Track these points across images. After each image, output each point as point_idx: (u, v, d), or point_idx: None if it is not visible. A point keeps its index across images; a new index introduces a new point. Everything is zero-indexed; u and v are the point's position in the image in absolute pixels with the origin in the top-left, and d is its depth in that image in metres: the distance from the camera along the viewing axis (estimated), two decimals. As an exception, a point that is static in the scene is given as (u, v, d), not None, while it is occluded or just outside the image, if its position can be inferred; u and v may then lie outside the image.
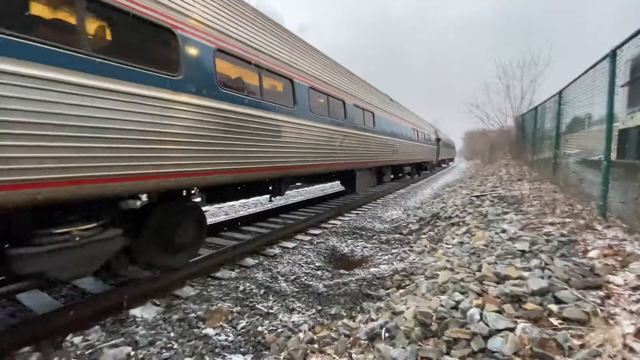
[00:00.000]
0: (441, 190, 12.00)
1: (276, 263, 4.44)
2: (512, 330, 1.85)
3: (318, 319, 3.02)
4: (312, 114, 5.76)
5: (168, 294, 3.45)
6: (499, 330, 1.87)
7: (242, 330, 2.81)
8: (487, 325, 1.92)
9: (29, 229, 2.49)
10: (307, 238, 5.63)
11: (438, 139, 21.55)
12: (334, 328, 2.66)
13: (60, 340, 2.58)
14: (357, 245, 5.39)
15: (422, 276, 3.41)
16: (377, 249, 5.25)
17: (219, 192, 4.76)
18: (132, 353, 2.43)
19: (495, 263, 2.91)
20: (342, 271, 4.35)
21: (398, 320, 2.25)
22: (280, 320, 2.98)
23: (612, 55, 3.87)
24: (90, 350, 2.45)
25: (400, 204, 9.57)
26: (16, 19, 2.17)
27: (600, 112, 4.58)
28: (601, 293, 2.17)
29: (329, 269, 4.43)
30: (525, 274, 2.51)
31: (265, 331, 2.79)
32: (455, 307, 2.22)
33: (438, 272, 3.12)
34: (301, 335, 2.61)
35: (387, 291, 3.48)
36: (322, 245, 5.33)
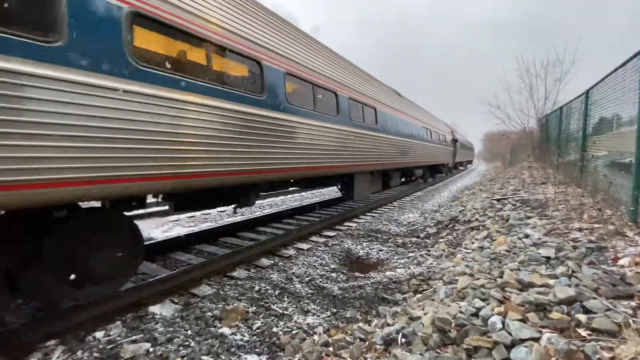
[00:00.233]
0: (460, 193, 11.73)
1: (291, 264, 4.45)
2: (536, 340, 1.76)
3: (333, 322, 3.00)
4: (291, 106, 4.84)
5: (186, 292, 3.52)
6: (522, 340, 1.79)
7: (257, 331, 2.82)
8: (509, 334, 1.84)
9: None
10: (322, 240, 5.61)
11: (455, 140, 20.44)
12: (349, 332, 2.63)
13: (84, 335, 2.67)
14: (373, 248, 5.33)
15: (440, 281, 3.33)
16: (393, 252, 5.18)
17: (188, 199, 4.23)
18: (151, 349, 2.49)
19: (518, 269, 2.80)
20: (357, 274, 4.31)
21: (415, 326, 2.20)
22: (295, 322, 2.98)
23: (645, 52, 3.68)
24: (111, 346, 2.52)
25: (417, 207, 9.41)
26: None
27: (630, 113, 4.36)
28: (633, 303, 2.05)
29: (344, 271, 4.40)
30: (551, 281, 2.41)
31: (280, 332, 2.79)
32: (476, 314, 2.15)
33: (457, 278, 3.04)
34: (316, 337, 2.60)
35: (404, 296, 3.42)
36: (337, 247, 5.30)
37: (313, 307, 3.30)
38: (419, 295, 3.19)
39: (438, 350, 1.92)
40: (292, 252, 4.94)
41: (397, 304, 3.22)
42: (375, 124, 8.05)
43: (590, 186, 5.60)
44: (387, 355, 2.06)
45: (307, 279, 3.99)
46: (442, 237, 5.56)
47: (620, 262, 2.67)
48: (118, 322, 2.86)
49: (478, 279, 2.79)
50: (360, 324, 2.69)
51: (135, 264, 3.34)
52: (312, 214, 7.96)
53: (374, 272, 4.34)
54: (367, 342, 2.29)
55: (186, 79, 3.22)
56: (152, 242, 5.02)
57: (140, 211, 6.31)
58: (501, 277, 2.71)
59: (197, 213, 7.93)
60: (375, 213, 8.29)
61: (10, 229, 2.63)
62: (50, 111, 2.23)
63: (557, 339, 1.69)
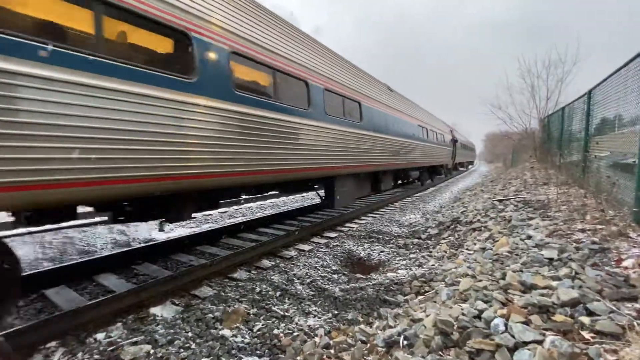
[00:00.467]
0: (461, 194, 11.69)
1: (292, 265, 4.44)
2: (540, 343, 1.75)
3: (334, 324, 2.98)
4: (237, 94, 3.88)
5: (187, 293, 3.51)
6: (525, 343, 1.77)
7: (258, 333, 2.81)
8: (512, 336, 1.83)
9: None
10: (323, 241, 5.60)
11: (454, 140, 19.70)
12: (350, 334, 2.61)
13: (85, 336, 2.66)
14: (374, 249, 5.32)
15: (442, 283, 3.31)
16: (395, 253, 5.16)
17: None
18: (152, 351, 2.48)
19: (521, 271, 2.78)
20: (358, 275, 4.29)
21: (417, 328, 2.19)
22: (296, 324, 2.96)
23: (648, 52, 3.66)
24: (112, 347, 2.52)
25: (419, 208, 9.39)
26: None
27: (632, 113, 4.34)
28: (637, 305, 2.03)
29: (345, 272, 4.38)
30: (554, 283, 2.39)
31: (281, 334, 2.78)
32: (478, 317, 2.13)
33: (459, 279, 3.02)
34: (317, 339, 2.58)
35: (406, 297, 3.40)
36: (339, 248, 5.29)
37: (314, 308, 3.29)
38: (420, 297, 3.17)
39: (440, 352, 1.90)
40: (293, 253, 4.93)
41: (399, 305, 3.20)
42: (359, 120, 7.16)
43: (593, 187, 5.57)
44: (389, 357, 2.05)
45: (308, 280, 3.97)
46: (444, 238, 5.54)
47: (624, 263, 2.65)
48: (119, 324, 2.86)
49: (480, 280, 2.78)
50: (362, 326, 2.67)
51: (7, 306, 2.58)
52: (312, 215, 7.95)
53: (376, 273, 4.32)
54: (368, 345, 2.28)
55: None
56: (153, 243, 5.02)
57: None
58: (503, 278, 2.69)
59: (199, 214, 7.94)
60: (376, 214, 8.27)
61: None
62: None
63: (561, 341, 1.68)
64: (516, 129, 19.34)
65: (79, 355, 2.43)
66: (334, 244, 5.49)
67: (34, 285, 3.49)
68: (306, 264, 4.53)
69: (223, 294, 3.52)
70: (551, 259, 2.96)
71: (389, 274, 4.14)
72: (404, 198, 11.15)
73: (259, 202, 10.23)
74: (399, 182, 12.35)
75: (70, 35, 2.70)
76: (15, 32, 2.17)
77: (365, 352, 2.19)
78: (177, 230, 6.45)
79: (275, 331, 2.82)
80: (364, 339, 2.42)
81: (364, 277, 4.19)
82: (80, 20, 2.68)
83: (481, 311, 2.17)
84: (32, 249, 4.94)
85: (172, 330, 2.77)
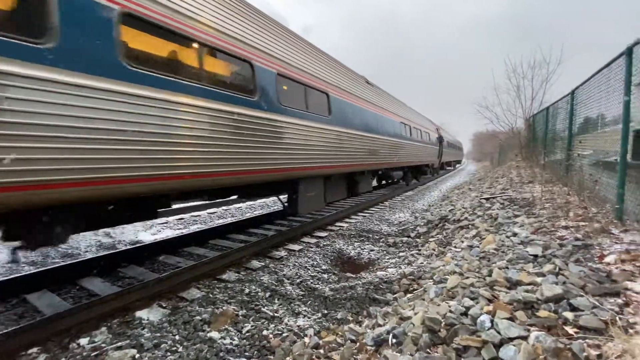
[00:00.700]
0: (450, 193, 11.84)
1: (282, 266, 4.41)
2: (525, 338, 1.77)
3: (324, 324, 2.98)
4: (147, 75, 2.95)
5: (174, 296, 3.45)
6: (511, 339, 1.79)
7: (247, 334, 2.78)
8: (498, 333, 1.85)
9: None
10: (313, 240, 5.59)
11: (440, 138, 19.11)
12: (340, 333, 2.61)
13: (68, 342, 2.59)
14: (364, 248, 5.33)
15: (431, 280, 3.34)
16: (384, 252, 5.18)
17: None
18: (137, 356, 2.42)
19: (507, 268, 2.82)
20: (348, 274, 4.30)
21: (406, 326, 2.20)
22: (286, 324, 2.95)
23: (629, 53, 3.76)
24: (95, 353, 2.45)
25: (408, 207, 9.47)
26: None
27: (614, 113, 4.45)
28: (619, 300, 2.08)
29: (336, 272, 4.38)
30: (538, 279, 2.43)
31: (271, 335, 2.76)
32: (465, 314, 2.15)
33: (447, 277, 3.04)
34: (307, 340, 2.57)
35: (395, 295, 3.42)
36: (329, 247, 5.28)
37: (304, 308, 3.27)
38: (409, 295, 3.19)
39: (428, 350, 1.91)
40: (283, 253, 4.90)
41: (388, 304, 3.21)
42: (327, 114, 6.22)
43: (576, 185, 5.70)
44: (378, 356, 2.05)
45: (298, 280, 3.96)
46: (433, 237, 5.60)
47: (607, 259, 2.72)
48: (103, 328, 2.79)
49: (467, 277, 2.81)
50: (351, 325, 2.67)
51: None
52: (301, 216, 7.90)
53: (365, 272, 4.33)
54: (358, 344, 2.28)
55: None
56: (140, 245, 4.92)
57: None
58: (490, 275, 2.72)
59: (187, 215, 7.83)
60: (366, 213, 8.31)
61: None
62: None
63: (545, 337, 1.70)
64: (503, 129, 19.72)
65: (61, 361, 2.36)
66: (324, 243, 5.49)
67: (15, 290, 3.38)
68: (296, 263, 4.51)
69: (211, 295, 3.48)
70: (536, 256, 3.01)
71: (379, 273, 4.16)
72: (393, 197, 11.23)
73: (248, 203, 10.13)
74: (383, 183, 11.83)
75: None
76: None
77: (355, 351, 2.18)
78: (164, 232, 6.34)
79: (265, 332, 2.80)
80: (353, 338, 2.42)
81: (354, 276, 4.20)
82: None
83: (468, 308, 2.19)
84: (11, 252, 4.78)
85: (158, 334, 2.72)
